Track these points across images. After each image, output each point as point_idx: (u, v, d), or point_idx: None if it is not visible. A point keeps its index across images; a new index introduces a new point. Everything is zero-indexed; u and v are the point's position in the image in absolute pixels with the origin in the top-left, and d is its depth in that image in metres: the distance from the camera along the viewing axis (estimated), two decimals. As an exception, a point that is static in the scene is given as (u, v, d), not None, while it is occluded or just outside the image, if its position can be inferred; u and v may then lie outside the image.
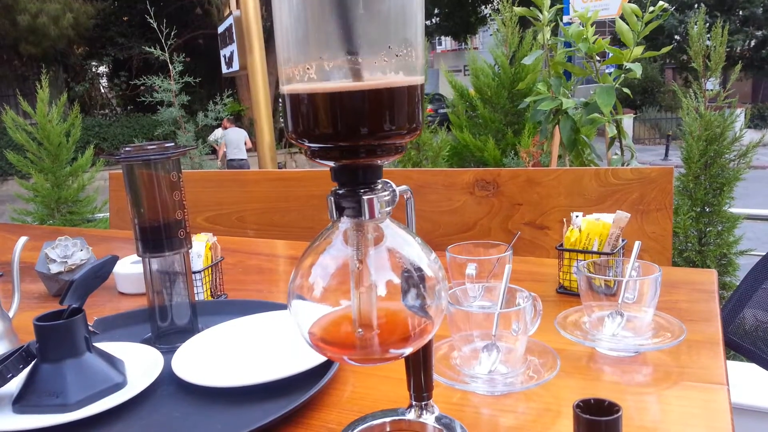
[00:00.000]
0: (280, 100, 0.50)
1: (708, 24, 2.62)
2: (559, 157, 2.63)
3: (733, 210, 2.65)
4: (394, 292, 0.52)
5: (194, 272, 1.05)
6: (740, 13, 17.18)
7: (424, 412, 0.64)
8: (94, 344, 0.76)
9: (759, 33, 17.44)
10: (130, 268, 1.21)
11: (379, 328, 0.51)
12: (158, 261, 0.89)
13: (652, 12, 2.07)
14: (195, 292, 0.99)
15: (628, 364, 0.78)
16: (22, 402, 0.70)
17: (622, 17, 2.14)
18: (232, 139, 9.13)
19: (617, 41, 2.26)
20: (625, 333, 0.81)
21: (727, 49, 2.66)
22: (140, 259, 0.89)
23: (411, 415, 0.65)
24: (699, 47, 2.62)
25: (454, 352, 0.77)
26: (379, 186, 0.51)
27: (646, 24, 2.09)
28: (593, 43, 2.20)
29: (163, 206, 0.86)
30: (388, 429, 0.65)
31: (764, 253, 1.42)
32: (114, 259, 0.85)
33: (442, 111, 7.31)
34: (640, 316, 0.81)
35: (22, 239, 0.98)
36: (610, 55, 2.19)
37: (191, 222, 0.92)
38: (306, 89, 0.47)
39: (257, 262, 1.44)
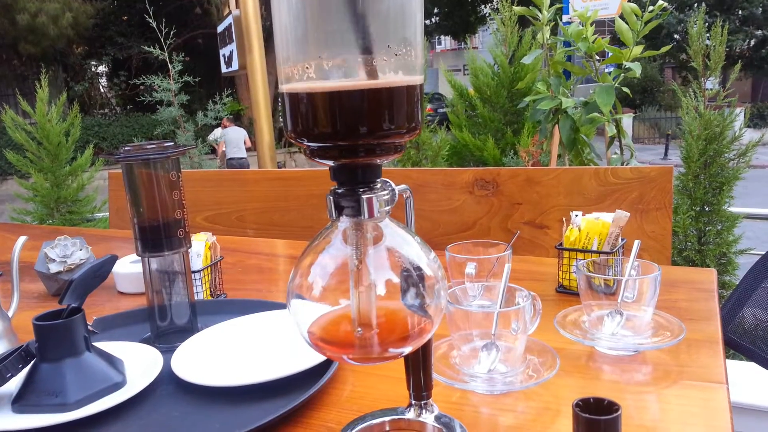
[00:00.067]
0: (280, 99, 0.50)
1: (707, 23, 2.62)
2: (559, 156, 2.63)
3: (733, 209, 2.65)
4: (393, 292, 0.52)
5: (193, 272, 1.05)
6: (739, 12, 17.19)
7: (424, 411, 0.64)
8: (93, 344, 0.76)
9: (759, 32, 17.45)
10: (129, 267, 1.21)
11: (378, 328, 0.51)
12: (157, 260, 0.89)
13: (651, 11, 2.06)
14: (194, 291, 0.99)
15: (628, 363, 0.78)
16: (21, 401, 0.70)
17: (621, 16, 2.13)
18: (232, 138, 9.13)
19: (617, 40, 2.26)
20: (624, 332, 0.81)
21: (727, 49, 2.66)
22: (139, 258, 0.89)
23: (410, 415, 0.65)
24: (698, 46, 2.62)
25: (453, 351, 0.77)
26: (378, 185, 0.51)
27: (646, 23, 2.08)
28: (593, 42, 2.19)
29: (162, 206, 0.86)
30: (387, 428, 0.65)
31: (764, 252, 1.42)
32: (113, 259, 0.85)
33: (441, 110, 7.31)
34: (640, 315, 0.81)
35: (22, 239, 0.98)
36: (610, 54, 2.18)
37: (191, 221, 0.92)
38: (305, 88, 0.47)
39: (257, 261, 1.44)
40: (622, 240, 1.01)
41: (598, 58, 2.28)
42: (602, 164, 2.50)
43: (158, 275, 0.89)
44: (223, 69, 4.48)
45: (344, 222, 0.52)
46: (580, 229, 1.02)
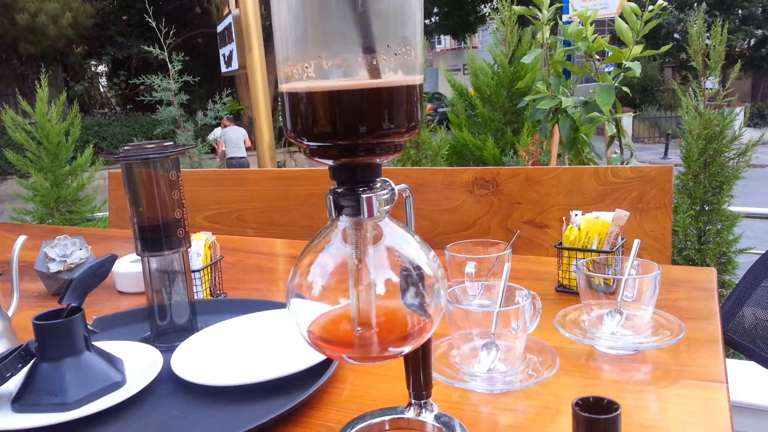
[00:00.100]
0: (279, 98, 0.50)
1: (707, 23, 2.62)
2: (559, 155, 2.63)
3: (733, 208, 2.65)
4: (393, 291, 0.52)
5: (193, 271, 1.05)
6: (739, 12, 17.18)
7: (423, 410, 0.64)
8: (93, 343, 0.76)
9: (758, 32, 17.45)
10: (129, 267, 1.21)
11: (377, 327, 0.51)
12: (157, 260, 0.89)
13: (651, 11, 2.06)
14: (194, 290, 0.99)
15: (627, 362, 0.78)
16: (21, 401, 0.70)
17: (621, 16, 2.13)
18: (232, 138, 9.13)
19: (616, 40, 2.26)
20: (624, 331, 0.81)
21: (727, 48, 2.66)
22: (139, 258, 0.89)
23: (410, 414, 0.65)
24: (698, 46, 2.62)
25: (453, 350, 0.77)
26: (378, 184, 0.51)
27: (646, 23, 2.08)
28: (592, 41, 2.19)
29: (162, 205, 0.86)
30: (387, 427, 0.65)
31: (763, 252, 1.42)
32: (113, 258, 0.85)
33: (441, 110, 7.31)
34: (640, 315, 0.81)
35: (21, 238, 0.98)
36: (610, 53, 2.18)
37: (191, 221, 0.92)
38: (305, 88, 0.47)
39: (256, 260, 1.44)
40: (622, 239, 1.01)
41: (597, 57, 2.28)
42: (602, 163, 2.50)
43: (158, 275, 0.89)
44: (223, 68, 4.48)
45: (344, 221, 0.52)
46: (579, 229, 1.02)
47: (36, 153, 3.70)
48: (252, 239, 1.68)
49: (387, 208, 0.52)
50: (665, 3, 2.05)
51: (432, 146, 3.82)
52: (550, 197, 1.47)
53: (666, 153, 13.76)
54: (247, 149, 9.14)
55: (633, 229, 1.34)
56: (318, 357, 0.75)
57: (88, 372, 0.73)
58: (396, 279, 0.52)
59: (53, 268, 1.19)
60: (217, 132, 9.15)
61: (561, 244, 1.03)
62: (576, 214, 1.04)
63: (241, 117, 14.48)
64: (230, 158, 9.09)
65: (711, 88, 2.66)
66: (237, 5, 3.72)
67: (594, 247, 1.00)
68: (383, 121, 0.47)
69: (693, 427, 0.62)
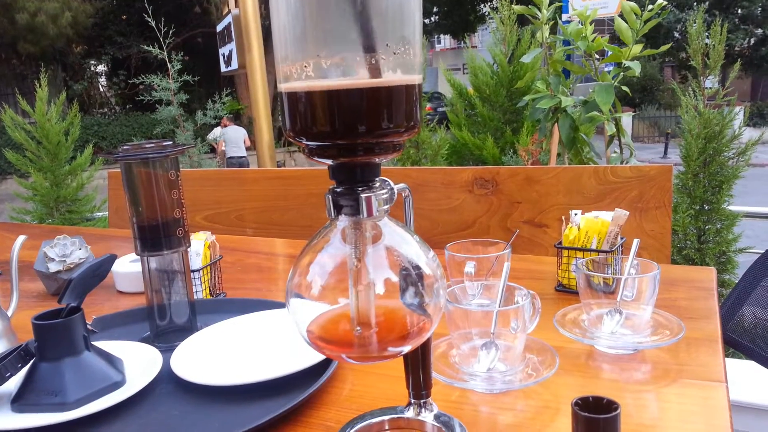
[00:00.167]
0: (278, 98, 0.50)
1: (707, 22, 2.62)
2: (558, 155, 2.63)
3: (732, 208, 2.65)
4: (392, 291, 0.52)
5: (193, 271, 1.05)
6: (739, 11, 17.19)
7: (423, 410, 0.64)
8: (92, 343, 0.76)
9: (758, 31, 17.45)
10: (128, 266, 1.21)
11: (377, 326, 0.51)
12: (157, 259, 0.89)
13: (650, 10, 2.06)
14: (194, 290, 0.99)
15: (627, 361, 0.78)
16: (20, 401, 0.70)
17: (620, 15, 2.13)
18: (232, 137, 9.14)
19: (616, 39, 2.26)
20: (623, 331, 0.81)
21: (726, 47, 2.66)
22: (139, 257, 0.89)
23: (410, 413, 0.65)
24: (698, 45, 2.62)
25: (452, 350, 0.77)
26: (377, 184, 0.51)
27: (645, 22, 2.08)
28: (592, 41, 2.19)
29: (161, 205, 0.86)
30: (386, 427, 0.65)
31: (763, 251, 1.42)
32: (112, 258, 0.85)
33: (441, 109, 7.31)
34: (639, 314, 0.81)
35: (21, 238, 0.98)
36: (609, 53, 2.18)
37: (190, 221, 0.92)
38: (303, 87, 0.46)
39: (256, 260, 1.44)
40: (622, 239, 1.01)
41: (597, 56, 2.28)
42: (602, 163, 2.50)
43: (157, 274, 0.89)
44: (223, 68, 4.48)
45: (343, 221, 0.52)
46: (579, 228, 1.02)
47: (36, 153, 3.70)
48: (251, 239, 1.68)
49: (386, 207, 0.52)
50: (665, 2, 2.05)
51: (431, 146, 3.82)
52: (549, 197, 1.47)
53: (665, 152, 13.77)
54: (247, 149, 9.15)
55: (632, 228, 1.34)
56: (317, 357, 0.75)
57: (88, 372, 0.72)
58: (395, 278, 0.52)
59: (53, 267, 1.19)
60: (216, 131, 9.15)
61: (560, 243, 1.03)
62: (575, 214, 1.04)
63: (240, 116, 14.47)
64: (230, 157, 9.11)
65: (710, 88, 2.66)
66: (236, 5, 3.73)
67: (593, 247, 1.00)
68: (382, 120, 0.47)
69: (693, 427, 0.62)
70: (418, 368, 0.63)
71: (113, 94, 17.16)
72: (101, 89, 17.50)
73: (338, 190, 0.51)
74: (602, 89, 2.09)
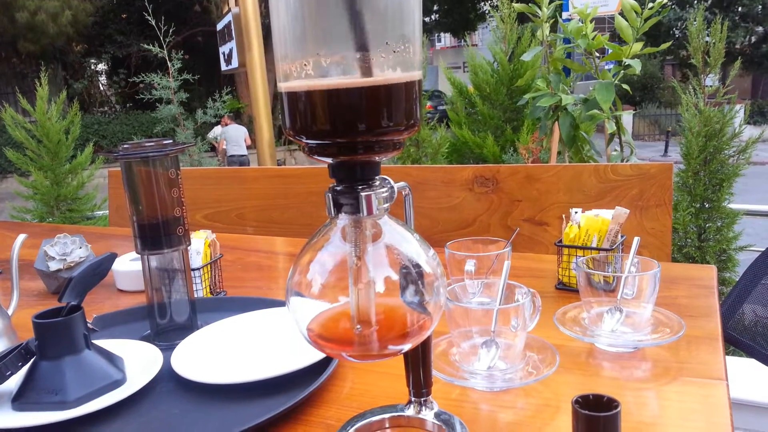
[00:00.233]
0: (278, 96, 0.50)
1: (707, 20, 2.62)
2: (559, 153, 2.63)
3: (733, 206, 2.65)
4: (392, 289, 0.52)
5: (193, 269, 1.05)
6: (739, 9, 17.17)
7: (423, 408, 0.64)
8: (93, 341, 0.76)
9: (759, 29, 17.44)
10: (129, 265, 1.21)
11: (377, 325, 0.51)
12: (157, 258, 0.89)
13: (651, 8, 2.06)
14: (194, 289, 0.99)
15: (627, 359, 0.78)
16: (21, 399, 0.70)
17: (621, 13, 2.13)
18: (232, 136, 9.16)
19: (616, 37, 2.26)
20: (624, 329, 0.81)
21: (727, 45, 2.66)
22: (139, 256, 0.89)
23: (410, 411, 0.65)
24: (698, 43, 2.62)
25: (453, 348, 0.77)
26: (377, 182, 0.51)
27: (645, 20, 2.08)
28: (592, 39, 2.19)
29: (161, 203, 0.86)
30: (387, 425, 0.65)
31: (763, 249, 1.42)
32: (112, 257, 0.85)
33: (441, 108, 7.30)
34: (639, 312, 0.81)
35: (21, 236, 0.98)
36: (610, 51, 2.18)
37: (190, 219, 0.92)
38: (303, 86, 0.46)
39: (256, 259, 1.44)
40: (622, 237, 1.01)
41: (597, 55, 2.28)
42: (602, 161, 2.50)
43: (158, 273, 0.89)
44: (223, 67, 4.48)
45: (343, 219, 0.52)
46: (579, 226, 1.02)
47: (36, 151, 3.70)
48: (252, 237, 1.68)
49: (386, 206, 0.52)
50: (665, 0, 2.05)
51: (432, 144, 3.82)
52: (550, 195, 1.47)
53: (666, 150, 13.77)
54: (248, 147, 9.16)
55: (633, 226, 1.34)
56: (318, 355, 0.75)
57: (88, 370, 0.73)
58: (395, 277, 0.52)
59: (53, 266, 1.19)
60: (216, 130, 9.16)
61: (561, 241, 1.03)
62: (576, 212, 1.04)
63: (241, 115, 14.48)
64: (231, 156, 9.13)
65: (711, 86, 2.66)
66: (237, 3, 3.72)
67: (594, 245, 1.00)
68: (382, 118, 0.47)
69: (693, 424, 0.62)
70: (418, 366, 0.63)
71: (113, 92, 17.17)
72: (101, 88, 17.51)
73: (338, 188, 0.51)
74: (603, 87, 2.09)
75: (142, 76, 5.16)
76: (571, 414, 0.47)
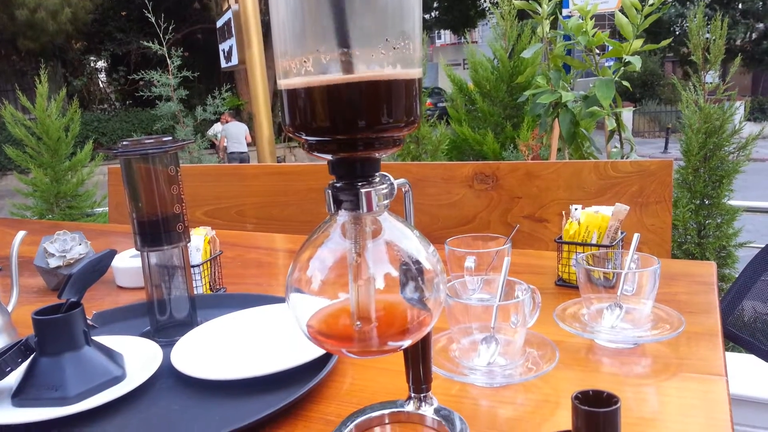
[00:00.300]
0: (278, 93, 0.50)
1: (707, 17, 2.62)
2: (559, 150, 2.63)
3: (733, 202, 2.65)
4: (392, 285, 0.52)
5: (193, 266, 1.05)
6: (740, 5, 17.15)
7: (423, 403, 0.64)
8: (93, 338, 0.76)
9: (759, 25, 17.42)
10: (128, 262, 1.21)
11: (377, 321, 0.51)
12: (156, 255, 0.89)
13: (651, 5, 2.06)
14: (194, 285, 0.99)
15: (627, 355, 0.78)
16: (21, 395, 0.70)
17: (621, 10, 2.13)
18: (233, 133, 9.16)
19: (617, 34, 2.25)
20: (623, 325, 0.81)
21: (727, 42, 2.66)
22: (139, 253, 0.89)
23: (410, 407, 0.65)
24: (698, 40, 2.61)
25: (452, 344, 0.77)
26: (377, 179, 0.51)
27: (646, 17, 2.08)
28: (593, 36, 2.19)
29: (161, 200, 0.86)
30: (386, 421, 0.65)
31: (763, 245, 1.42)
32: (112, 253, 0.85)
33: (441, 105, 7.30)
34: (639, 308, 0.81)
35: (21, 233, 0.98)
36: (610, 48, 2.18)
37: (190, 216, 0.92)
38: (303, 82, 0.46)
39: (256, 255, 1.44)
40: (622, 233, 1.01)
41: (598, 51, 2.28)
42: (602, 158, 2.50)
43: (157, 269, 0.89)
44: (223, 64, 4.48)
45: (343, 216, 0.52)
46: (579, 223, 1.02)
47: (36, 148, 3.70)
48: (251, 234, 1.68)
49: (386, 202, 0.52)
50: (665, -3, 2.05)
51: (432, 141, 3.82)
52: (549, 192, 1.47)
53: (666, 147, 13.76)
54: (248, 144, 9.17)
55: (633, 223, 1.34)
56: (318, 351, 0.75)
57: (88, 366, 0.73)
58: (395, 273, 0.52)
59: (53, 263, 1.19)
60: (216, 128, 9.16)
61: (561, 238, 1.03)
62: (576, 209, 1.04)
63: (240, 112, 14.47)
64: (231, 153, 9.14)
65: (711, 83, 2.65)
66: (236, 1, 3.72)
67: (594, 242, 1.00)
68: (382, 115, 0.47)
69: (693, 420, 0.62)
70: (418, 362, 0.63)
71: (113, 90, 17.16)
72: (101, 85, 17.49)
73: (338, 185, 0.51)
74: (603, 84, 2.09)
75: (142, 74, 5.15)
76: (570, 410, 0.47)
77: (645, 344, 0.79)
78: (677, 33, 16.06)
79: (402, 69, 0.47)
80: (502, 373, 0.71)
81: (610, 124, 2.28)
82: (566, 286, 1.03)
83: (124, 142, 0.85)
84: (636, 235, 0.86)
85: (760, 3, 16.78)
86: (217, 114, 5.65)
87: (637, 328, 0.80)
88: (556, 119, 2.35)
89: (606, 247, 0.98)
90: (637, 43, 2.10)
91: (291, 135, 0.50)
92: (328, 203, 0.52)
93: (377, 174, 0.51)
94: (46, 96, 3.68)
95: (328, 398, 0.71)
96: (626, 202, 1.26)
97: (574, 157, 2.52)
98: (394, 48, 0.46)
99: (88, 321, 0.77)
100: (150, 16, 4.91)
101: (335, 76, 0.46)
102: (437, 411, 0.64)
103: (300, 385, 0.71)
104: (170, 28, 5.04)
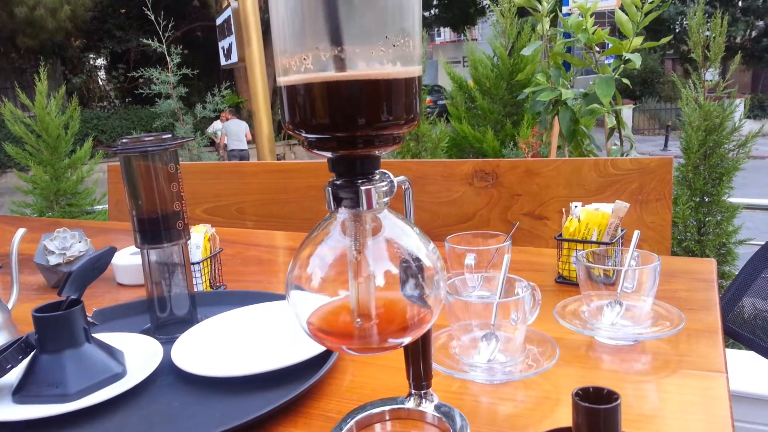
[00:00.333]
0: (278, 90, 0.50)
1: (707, 14, 2.62)
2: (559, 147, 2.62)
3: (732, 200, 2.65)
4: (392, 282, 0.52)
5: (193, 263, 1.05)
6: (740, 3, 17.14)
7: (424, 400, 0.65)
8: (93, 335, 0.76)
9: (759, 23, 17.41)
10: (128, 259, 1.21)
11: (377, 318, 0.51)
12: (156, 252, 0.89)
13: (651, 3, 2.06)
14: (194, 282, 0.99)
15: (627, 352, 0.78)
16: (22, 392, 0.70)
17: (621, 8, 2.13)
18: (233, 130, 9.16)
19: (617, 32, 2.25)
20: (624, 322, 0.81)
21: (727, 40, 2.65)
22: (139, 250, 0.89)
23: (410, 404, 0.65)
24: (698, 38, 2.61)
25: (453, 341, 0.77)
26: (377, 176, 0.51)
27: (646, 15, 2.08)
28: (592, 33, 2.19)
29: (161, 198, 0.86)
30: (387, 417, 0.65)
31: (763, 243, 1.42)
32: (112, 251, 0.85)
33: (441, 102, 7.30)
34: (639, 305, 0.81)
35: (21, 231, 0.98)
36: (610, 45, 2.18)
37: (190, 213, 0.92)
38: (303, 80, 0.46)
39: (256, 253, 1.44)
40: (622, 231, 1.01)
41: (598, 49, 2.28)
42: (602, 155, 2.50)
43: (157, 267, 0.89)
44: (222, 61, 4.47)
45: (343, 213, 0.52)
46: (579, 220, 1.02)
47: (35, 146, 3.70)
48: (251, 231, 1.68)
49: (386, 200, 0.52)
50: (665, -6, 2.04)
51: (431, 139, 3.81)
52: (549, 189, 1.47)
53: (666, 145, 13.75)
54: (248, 142, 9.17)
55: (633, 220, 1.34)
56: (318, 348, 0.75)
57: (89, 363, 0.73)
58: (395, 270, 0.52)
59: (53, 260, 1.19)
60: (216, 125, 9.16)
61: (561, 235, 1.04)
62: (576, 206, 1.04)
63: (240, 110, 14.46)
64: (231, 150, 9.14)
65: (711, 80, 2.65)
66: (236, -2, 3.72)
67: (594, 239, 1.00)
68: (382, 113, 0.47)
69: (693, 417, 0.63)
70: (418, 359, 0.63)
71: (112, 87, 17.15)
72: (100, 83, 17.48)
73: (338, 182, 0.51)
74: (603, 82, 2.09)
75: (141, 71, 5.15)
76: (571, 406, 0.47)
77: (645, 341, 0.80)
78: (677, 30, 16.04)
79: (402, 66, 0.47)
80: (502, 370, 0.71)
81: (610, 121, 2.28)
82: (566, 284, 1.03)
83: (124, 140, 0.85)
84: (636, 233, 0.86)
85: (760, 0, 16.76)
86: (216, 111, 5.65)
87: (637, 325, 0.81)
88: (556, 117, 2.35)
89: (606, 244, 0.98)
90: (637, 41, 2.10)
91: (291, 132, 0.50)
92: (328, 201, 0.52)
93: (377, 171, 0.51)
94: (45, 94, 3.68)
95: (328, 395, 0.71)
96: (626, 199, 1.26)
97: (574, 155, 2.52)
98: (394, 45, 0.46)
99: (89, 318, 0.77)
100: (149, 13, 4.90)
101: (335, 73, 0.46)
102: (437, 408, 0.64)
103: (300, 382, 0.71)
104: (170, 25, 5.03)
